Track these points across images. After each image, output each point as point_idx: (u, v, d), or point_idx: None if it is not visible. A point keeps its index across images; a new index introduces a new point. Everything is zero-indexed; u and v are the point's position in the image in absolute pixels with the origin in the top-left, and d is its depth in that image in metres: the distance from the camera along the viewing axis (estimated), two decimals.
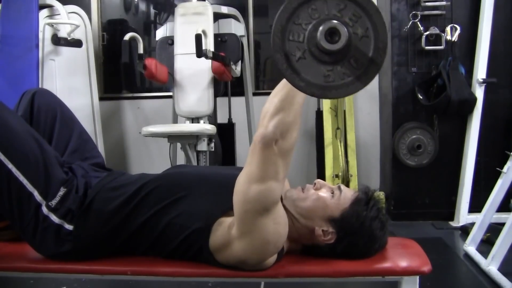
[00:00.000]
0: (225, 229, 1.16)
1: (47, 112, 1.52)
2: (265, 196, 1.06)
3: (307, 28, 0.87)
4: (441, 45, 3.23)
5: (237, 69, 3.15)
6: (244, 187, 1.08)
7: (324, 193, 1.26)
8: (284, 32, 0.87)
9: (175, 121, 3.54)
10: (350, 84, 0.89)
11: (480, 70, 3.16)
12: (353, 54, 0.86)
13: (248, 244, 1.12)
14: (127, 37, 2.83)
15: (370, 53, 0.87)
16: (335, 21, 0.84)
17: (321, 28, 0.84)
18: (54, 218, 1.25)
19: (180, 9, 3.18)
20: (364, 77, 0.89)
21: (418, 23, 3.23)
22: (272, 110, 1.04)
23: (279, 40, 0.87)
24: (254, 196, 1.06)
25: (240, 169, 1.11)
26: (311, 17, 0.87)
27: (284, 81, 1.04)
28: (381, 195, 1.32)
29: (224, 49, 3.12)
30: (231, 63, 3.00)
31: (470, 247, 2.55)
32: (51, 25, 3.19)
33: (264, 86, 4.29)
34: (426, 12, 3.26)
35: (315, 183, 1.29)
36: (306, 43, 0.87)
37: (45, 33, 3.16)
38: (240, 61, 3.25)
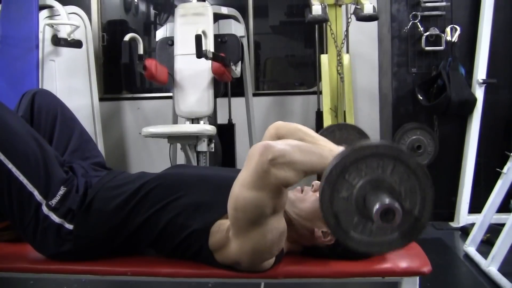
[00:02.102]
0: (223, 231, 1.16)
1: (47, 113, 1.52)
2: (252, 207, 1.05)
3: (365, 178, 0.89)
4: (441, 46, 3.22)
5: (237, 69, 3.15)
6: (235, 192, 1.07)
7: None
8: (344, 171, 0.89)
9: (175, 121, 3.54)
10: (369, 245, 0.92)
11: (480, 70, 3.15)
12: None
13: (241, 248, 1.12)
14: (127, 37, 2.83)
15: (404, 227, 0.90)
16: (393, 202, 0.84)
17: (377, 205, 0.84)
18: (54, 217, 1.25)
19: (180, 10, 3.18)
20: (383, 246, 0.92)
21: (418, 23, 3.23)
22: (296, 143, 1.07)
23: (336, 175, 0.89)
24: (243, 205, 1.06)
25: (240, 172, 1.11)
26: (375, 169, 0.89)
27: (327, 151, 1.06)
28: None
29: (224, 50, 3.12)
30: (231, 63, 3.00)
31: (470, 247, 2.55)
32: (51, 25, 3.19)
33: (264, 86, 4.28)
34: (426, 13, 3.25)
35: (312, 185, 1.29)
36: (357, 189, 0.89)
37: (45, 34, 3.16)
38: (240, 61, 3.25)
